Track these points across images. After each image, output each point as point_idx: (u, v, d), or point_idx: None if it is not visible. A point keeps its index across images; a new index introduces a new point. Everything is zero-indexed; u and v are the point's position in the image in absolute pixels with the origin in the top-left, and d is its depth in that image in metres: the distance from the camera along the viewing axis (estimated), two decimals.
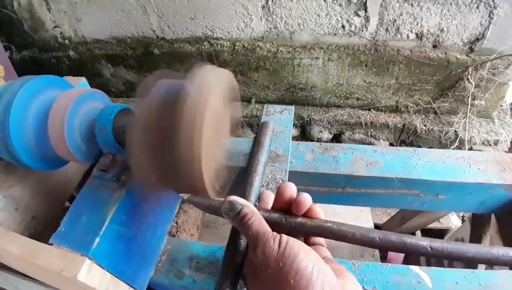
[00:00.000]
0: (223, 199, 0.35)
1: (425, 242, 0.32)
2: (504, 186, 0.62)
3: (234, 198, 0.35)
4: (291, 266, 0.28)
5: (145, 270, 0.53)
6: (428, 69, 1.11)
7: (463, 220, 1.47)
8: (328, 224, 0.34)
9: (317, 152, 0.67)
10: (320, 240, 0.37)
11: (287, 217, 0.36)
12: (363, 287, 0.50)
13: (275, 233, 0.32)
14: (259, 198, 0.39)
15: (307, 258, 0.29)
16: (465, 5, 0.96)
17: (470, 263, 0.32)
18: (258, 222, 0.33)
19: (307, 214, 0.35)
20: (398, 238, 0.33)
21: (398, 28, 1.05)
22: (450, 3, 0.97)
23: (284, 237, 0.31)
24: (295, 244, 0.30)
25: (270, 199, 0.38)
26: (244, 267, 0.35)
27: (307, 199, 0.35)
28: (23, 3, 1.26)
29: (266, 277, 0.29)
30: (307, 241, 0.38)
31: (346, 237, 0.34)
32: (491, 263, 0.31)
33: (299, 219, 0.36)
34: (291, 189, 0.36)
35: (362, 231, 0.34)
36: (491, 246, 0.32)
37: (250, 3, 1.08)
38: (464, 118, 1.17)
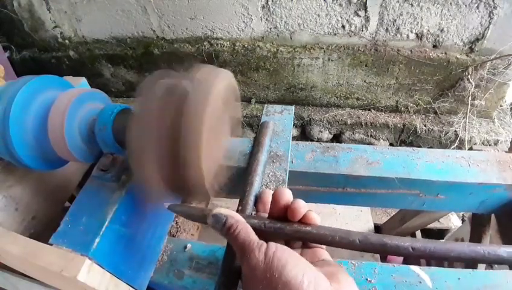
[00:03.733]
0: (202, 206, 0.35)
1: (407, 243, 0.31)
2: (504, 186, 0.62)
3: (217, 210, 0.34)
4: (280, 278, 0.27)
5: (145, 270, 0.53)
6: (428, 69, 1.11)
7: (463, 220, 1.47)
8: (307, 228, 0.34)
9: (317, 152, 0.67)
10: (314, 222, 0.35)
11: (267, 222, 0.35)
12: (366, 279, 0.50)
13: (261, 242, 0.31)
14: (259, 199, 0.39)
15: (296, 268, 0.28)
16: (465, 5, 0.96)
17: (457, 261, 0.31)
18: (244, 231, 0.32)
19: (302, 221, 0.35)
20: (379, 239, 0.32)
21: (398, 28, 1.05)
22: (450, 3, 0.97)
23: (272, 246, 0.30)
24: (283, 255, 0.29)
25: (270, 198, 0.38)
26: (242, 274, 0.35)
27: (301, 205, 0.34)
28: (23, 3, 1.26)
29: (255, 287, 0.29)
30: (305, 245, 0.37)
31: (326, 240, 0.33)
32: (477, 261, 0.31)
33: (279, 224, 0.35)
34: (286, 195, 0.36)
35: (341, 234, 0.33)
36: (476, 244, 0.31)
37: (250, 3, 1.08)
38: (464, 118, 1.17)
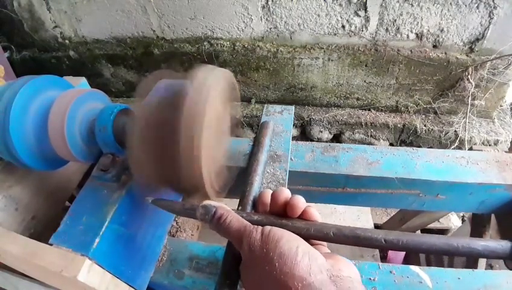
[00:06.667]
0: (184, 201, 0.36)
1: (380, 235, 0.32)
2: (504, 186, 0.62)
3: (207, 202, 0.35)
4: (274, 250, 0.28)
5: (145, 270, 0.53)
6: (428, 69, 1.11)
7: (463, 220, 1.47)
8: (282, 221, 0.35)
9: (317, 152, 0.67)
10: (314, 218, 0.36)
11: (244, 215, 0.36)
12: (369, 278, 0.50)
13: (256, 225, 0.32)
14: (258, 199, 0.39)
15: (290, 242, 0.29)
16: (465, 5, 0.96)
17: (430, 253, 0.31)
18: (236, 219, 0.33)
19: (302, 217, 0.35)
20: (351, 231, 0.33)
21: (398, 28, 1.05)
22: (450, 3, 0.97)
23: (267, 227, 0.31)
24: (278, 231, 0.30)
25: (269, 198, 0.38)
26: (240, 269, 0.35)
27: (300, 201, 0.34)
28: (23, 3, 1.26)
29: (254, 268, 0.29)
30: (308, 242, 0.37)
31: (300, 233, 0.34)
32: (450, 253, 0.31)
33: (256, 217, 0.36)
34: (284, 193, 0.36)
35: (316, 227, 0.34)
36: (449, 238, 0.31)
37: (250, 3, 1.08)
38: (464, 118, 1.17)
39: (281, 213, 0.36)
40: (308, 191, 0.68)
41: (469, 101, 1.13)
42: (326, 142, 1.20)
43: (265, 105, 0.77)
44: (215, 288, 0.35)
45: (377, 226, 1.46)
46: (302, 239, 0.31)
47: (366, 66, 1.15)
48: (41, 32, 1.34)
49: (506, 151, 1.18)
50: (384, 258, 1.47)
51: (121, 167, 0.48)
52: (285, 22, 1.11)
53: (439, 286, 0.49)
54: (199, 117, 0.35)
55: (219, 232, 0.34)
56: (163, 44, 1.26)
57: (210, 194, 0.40)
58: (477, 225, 0.87)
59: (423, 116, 1.25)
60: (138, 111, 0.41)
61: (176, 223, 1.23)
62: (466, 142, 1.15)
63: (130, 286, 0.49)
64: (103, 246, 0.44)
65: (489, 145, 1.19)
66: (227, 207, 0.35)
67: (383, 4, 1.00)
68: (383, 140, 1.31)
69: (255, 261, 0.29)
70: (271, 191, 0.38)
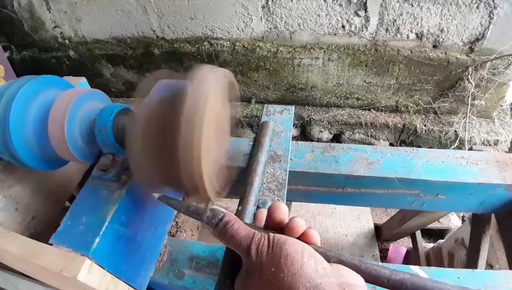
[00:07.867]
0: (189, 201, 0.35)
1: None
2: (504, 186, 0.62)
3: (217, 207, 0.35)
4: (280, 253, 0.28)
5: (145, 270, 0.53)
6: (428, 69, 1.11)
7: (463, 220, 1.47)
8: None
9: (317, 152, 0.67)
10: (314, 240, 0.35)
11: (251, 227, 0.35)
12: None
13: (262, 233, 0.32)
14: (255, 217, 0.39)
15: (295, 245, 0.29)
16: (465, 5, 0.96)
17: None
18: (243, 226, 0.33)
19: (303, 238, 0.34)
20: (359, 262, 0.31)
21: (398, 28, 1.05)
22: (450, 3, 0.97)
23: (271, 233, 0.31)
24: (282, 236, 0.31)
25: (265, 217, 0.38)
26: (235, 282, 0.34)
27: (299, 225, 0.34)
28: (23, 3, 1.26)
29: (261, 273, 0.29)
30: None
31: None
32: None
33: (263, 232, 0.35)
34: (281, 210, 0.35)
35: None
36: None
37: (250, 3, 1.08)
38: (464, 118, 1.17)
39: (276, 229, 0.35)
40: (308, 191, 0.68)
41: (469, 101, 1.13)
42: (326, 142, 1.20)
43: (265, 105, 0.77)
44: (215, 288, 0.35)
45: (377, 226, 1.46)
46: (304, 243, 0.31)
47: (366, 66, 1.15)
48: (41, 32, 1.34)
49: (506, 151, 1.17)
50: (384, 258, 1.47)
51: (121, 167, 0.48)
52: (285, 22, 1.11)
53: None
54: (199, 117, 0.35)
55: (223, 237, 0.33)
56: (163, 44, 1.26)
57: (210, 194, 0.40)
58: (477, 225, 0.87)
59: (423, 116, 1.25)
60: (138, 111, 0.41)
61: (176, 223, 1.23)
62: (466, 142, 1.15)
63: (130, 285, 0.49)
64: (103, 246, 0.44)
65: (489, 145, 1.19)
66: (234, 216, 0.35)
67: (383, 4, 1.00)
68: (383, 140, 1.31)
69: (262, 266, 0.29)
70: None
